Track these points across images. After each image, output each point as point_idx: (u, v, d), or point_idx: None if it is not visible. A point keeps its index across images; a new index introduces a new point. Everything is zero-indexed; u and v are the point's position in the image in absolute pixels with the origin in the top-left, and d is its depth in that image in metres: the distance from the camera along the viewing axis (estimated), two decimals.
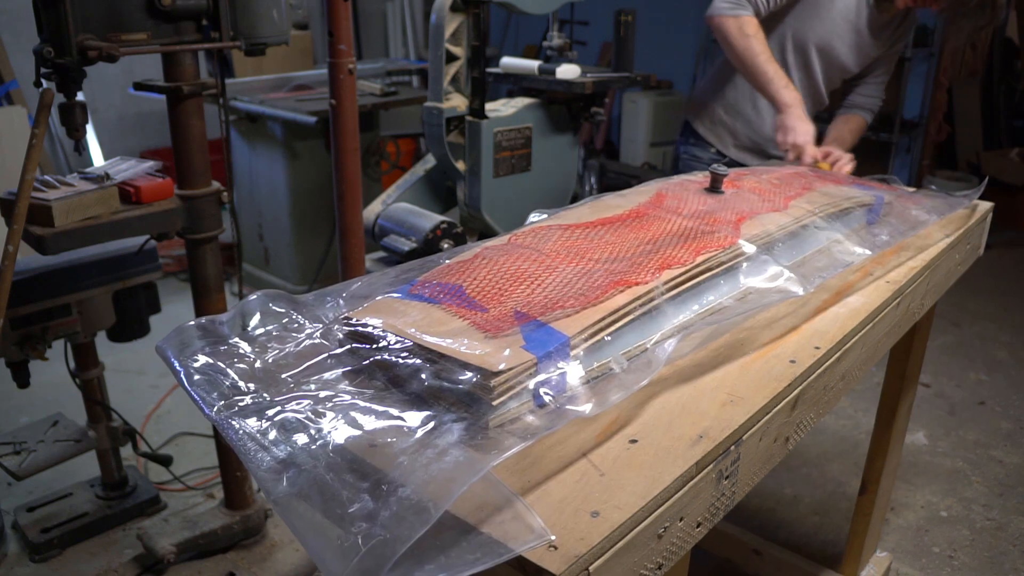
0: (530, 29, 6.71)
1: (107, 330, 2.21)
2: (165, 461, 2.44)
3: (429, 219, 2.51)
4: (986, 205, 1.82)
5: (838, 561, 2.16)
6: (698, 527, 0.86)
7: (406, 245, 2.49)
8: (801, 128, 1.89)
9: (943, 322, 3.82)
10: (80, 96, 1.66)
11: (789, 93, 1.93)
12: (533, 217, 1.31)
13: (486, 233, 2.76)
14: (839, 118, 2.27)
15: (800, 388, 1.02)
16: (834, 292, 1.25)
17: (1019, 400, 3.20)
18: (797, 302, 1.20)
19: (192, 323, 0.99)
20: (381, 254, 2.72)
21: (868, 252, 1.30)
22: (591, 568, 0.69)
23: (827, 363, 1.08)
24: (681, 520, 0.82)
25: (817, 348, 1.08)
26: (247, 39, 1.81)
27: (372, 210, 2.67)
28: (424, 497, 0.69)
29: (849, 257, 1.27)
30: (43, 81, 1.57)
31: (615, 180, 5.32)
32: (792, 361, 1.04)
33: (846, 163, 1.91)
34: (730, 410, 0.92)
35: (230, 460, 2.16)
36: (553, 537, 0.70)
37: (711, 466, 0.85)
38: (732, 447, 0.88)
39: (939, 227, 1.62)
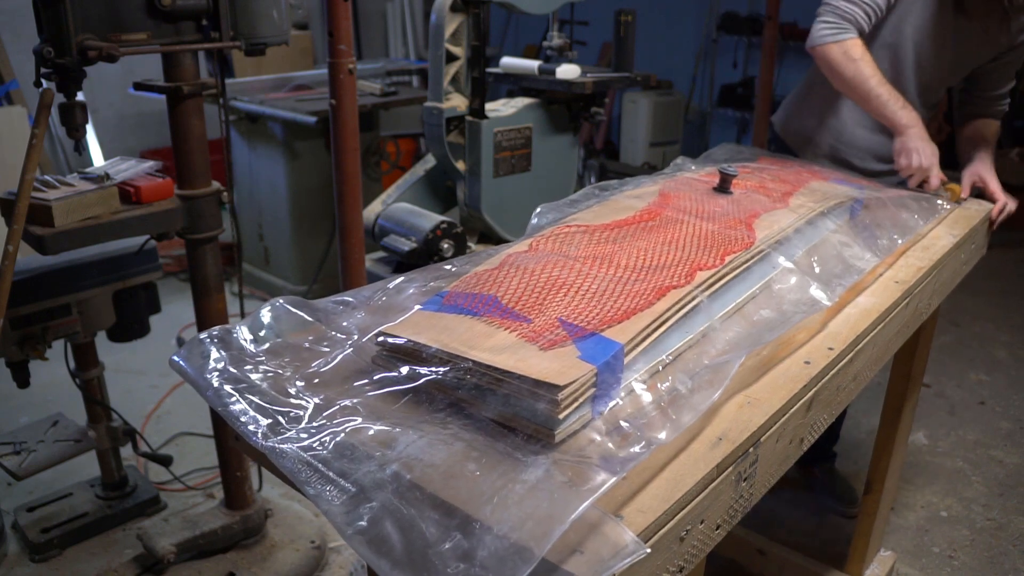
0: (530, 29, 6.71)
1: (107, 330, 2.21)
2: (165, 461, 2.44)
3: (429, 219, 2.51)
4: (989, 205, 1.82)
5: (840, 560, 2.16)
6: (717, 529, 0.86)
7: (406, 245, 2.49)
8: (925, 150, 1.77)
9: (943, 322, 3.82)
10: (80, 96, 1.65)
11: (907, 114, 1.79)
12: (539, 211, 1.31)
13: (486, 233, 2.75)
14: (976, 123, 2.04)
15: (815, 389, 1.02)
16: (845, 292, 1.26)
17: (1019, 400, 3.20)
18: (809, 302, 1.21)
19: (205, 335, 0.95)
20: (381, 254, 2.72)
21: (877, 259, 1.34)
22: (616, 571, 0.68)
23: (840, 364, 1.09)
24: (702, 523, 0.82)
25: (831, 349, 1.08)
26: (247, 39, 1.81)
27: (372, 210, 2.67)
28: (524, 535, 0.67)
29: (862, 263, 1.30)
30: (43, 81, 1.57)
31: (612, 180, 5.32)
32: (807, 362, 1.04)
33: (1012, 205, 1.82)
34: (748, 412, 0.92)
35: (230, 460, 2.15)
36: (648, 550, 0.69)
37: (731, 468, 0.85)
38: (751, 449, 0.88)
39: (945, 227, 1.63)
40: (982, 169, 1.88)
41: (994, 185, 1.84)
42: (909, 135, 1.79)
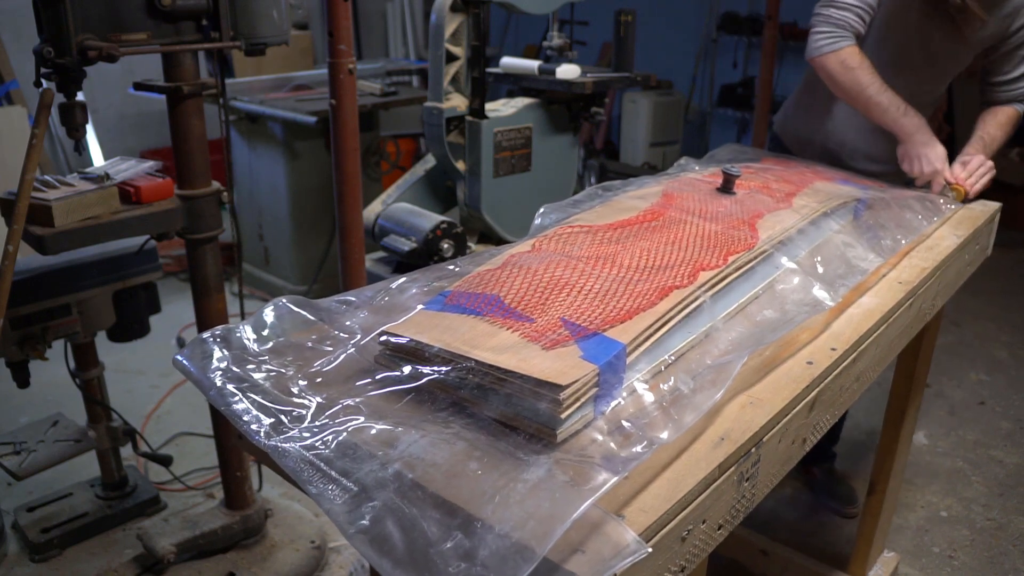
0: (530, 29, 6.71)
1: (107, 330, 2.21)
2: (165, 461, 2.44)
3: (429, 219, 2.51)
4: (994, 205, 1.81)
5: (841, 560, 2.16)
6: (719, 529, 0.86)
7: (406, 245, 2.49)
8: (930, 154, 1.77)
9: (943, 322, 3.81)
10: (80, 96, 1.65)
11: (909, 120, 1.78)
12: (542, 212, 1.31)
13: (486, 233, 2.75)
14: (986, 113, 1.98)
15: (818, 389, 1.02)
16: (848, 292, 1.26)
17: (1019, 400, 3.20)
18: (812, 302, 1.21)
19: (207, 335, 0.95)
20: (381, 254, 2.72)
21: (881, 259, 1.34)
22: (617, 571, 0.68)
23: (843, 364, 1.08)
24: (704, 523, 0.82)
25: (833, 349, 1.08)
26: (247, 39, 1.81)
27: (372, 210, 2.67)
28: (525, 535, 0.66)
29: (865, 264, 1.30)
30: (43, 81, 1.57)
31: (615, 180, 5.33)
32: (809, 363, 1.04)
33: (984, 172, 1.78)
34: (750, 412, 0.92)
35: (230, 460, 2.15)
36: (650, 549, 0.69)
37: (733, 468, 0.85)
38: (753, 449, 0.88)
39: (949, 228, 1.63)
40: (968, 151, 1.85)
41: (965, 157, 1.81)
42: (913, 141, 1.79)
